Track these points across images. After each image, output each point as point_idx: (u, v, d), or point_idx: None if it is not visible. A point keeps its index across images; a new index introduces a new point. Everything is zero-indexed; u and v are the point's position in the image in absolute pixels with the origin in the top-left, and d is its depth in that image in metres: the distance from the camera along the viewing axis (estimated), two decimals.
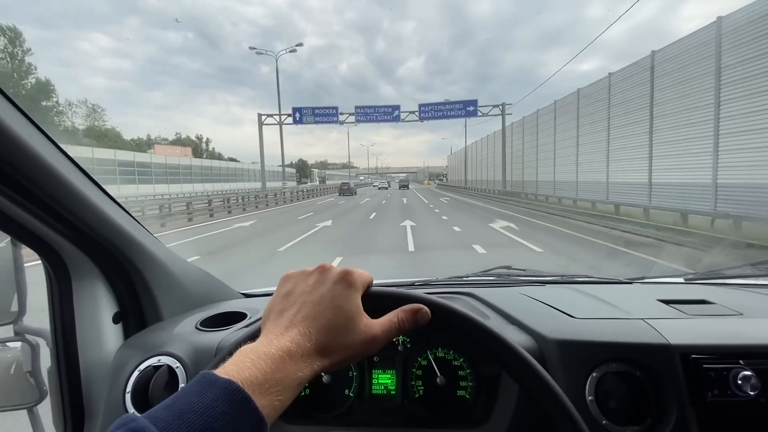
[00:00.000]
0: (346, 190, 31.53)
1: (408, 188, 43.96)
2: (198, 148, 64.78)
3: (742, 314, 0.72)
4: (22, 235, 0.57)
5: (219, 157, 65.85)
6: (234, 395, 0.27)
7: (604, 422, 0.57)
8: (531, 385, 0.39)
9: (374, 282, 0.41)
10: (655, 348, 0.60)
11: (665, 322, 0.66)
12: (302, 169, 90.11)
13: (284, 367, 0.31)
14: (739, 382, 0.56)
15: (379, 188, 48.12)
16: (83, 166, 0.57)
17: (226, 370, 0.29)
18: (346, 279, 0.38)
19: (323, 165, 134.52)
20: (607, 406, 0.58)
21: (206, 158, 49.62)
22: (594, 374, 0.59)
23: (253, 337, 0.36)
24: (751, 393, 0.55)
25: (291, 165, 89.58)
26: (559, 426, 0.37)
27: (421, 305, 0.39)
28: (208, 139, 69.42)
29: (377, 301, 0.40)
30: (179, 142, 60.71)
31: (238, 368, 0.29)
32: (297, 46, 33.01)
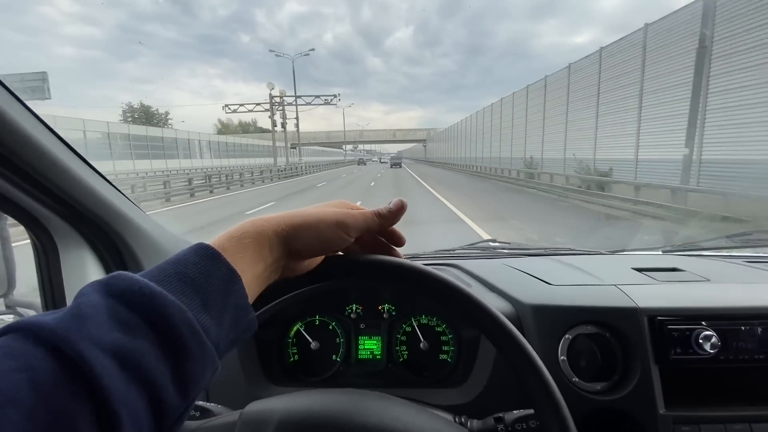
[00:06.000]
0: (360, 162, 52.86)
1: (400, 167, 38.12)
2: None
3: (709, 280, 0.75)
4: (5, 206, 0.57)
5: None
6: (203, 251, 0.29)
7: (574, 379, 0.61)
8: (505, 345, 0.41)
9: None
10: (624, 311, 0.63)
11: (636, 287, 0.70)
12: (148, 118, 45.72)
13: (249, 225, 0.33)
14: (700, 341, 0.59)
15: (381, 162, 62.80)
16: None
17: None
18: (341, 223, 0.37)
19: (246, 127, 74.22)
20: (578, 364, 0.62)
21: None
22: (567, 336, 0.63)
23: None
24: (711, 351, 0.59)
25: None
26: (530, 383, 0.39)
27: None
28: None
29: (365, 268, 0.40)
30: None
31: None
32: (310, 51, 34.99)
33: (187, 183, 14.00)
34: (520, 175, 15.45)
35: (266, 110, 31.42)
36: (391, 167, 37.86)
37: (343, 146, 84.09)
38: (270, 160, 33.63)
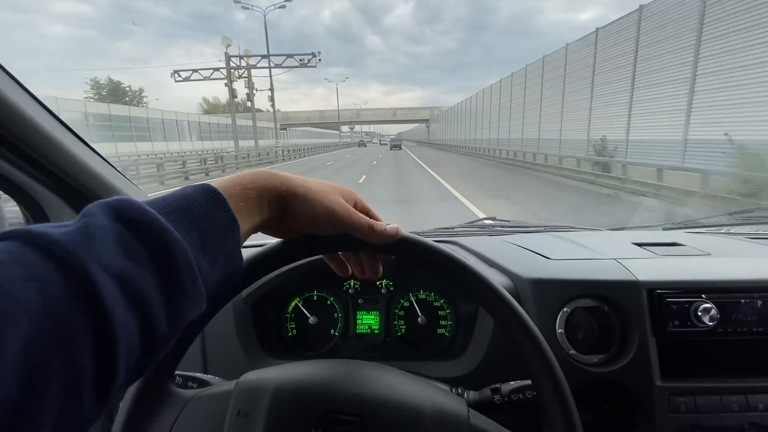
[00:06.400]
0: (360, 144, 56.75)
1: (400, 149, 36.75)
2: None
3: (709, 254, 0.75)
4: None
5: None
6: (209, 193, 0.30)
7: (571, 352, 0.62)
8: (504, 318, 0.41)
9: None
10: (623, 284, 0.63)
11: (636, 261, 0.70)
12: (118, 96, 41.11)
13: (256, 177, 0.34)
14: (699, 313, 0.59)
15: (381, 144, 64.44)
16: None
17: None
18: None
19: (236, 107, 46.39)
20: (576, 337, 0.63)
21: None
22: (565, 309, 0.63)
23: None
24: (710, 324, 0.59)
25: None
26: (529, 355, 0.39)
27: (392, 233, 0.38)
28: None
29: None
30: None
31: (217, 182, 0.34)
32: (286, 1, 27.24)
33: None
34: (595, 168, 9.73)
35: (225, 77, 23.94)
36: (391, 149, 37.34)
37: (339, 127, 75.17)
38: (255, 143, 27.80)
